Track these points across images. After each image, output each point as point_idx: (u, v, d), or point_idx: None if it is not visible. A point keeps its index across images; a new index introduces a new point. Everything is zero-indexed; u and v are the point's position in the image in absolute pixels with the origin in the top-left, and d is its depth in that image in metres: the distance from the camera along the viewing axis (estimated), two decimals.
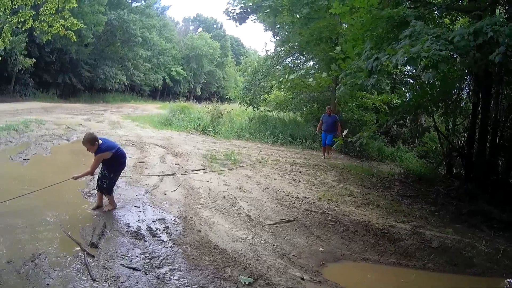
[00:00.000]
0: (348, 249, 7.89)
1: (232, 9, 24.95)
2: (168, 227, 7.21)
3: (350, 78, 11.16)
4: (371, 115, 24.08)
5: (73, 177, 7.44)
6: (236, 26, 25.74)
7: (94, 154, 7.52)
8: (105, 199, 7.90)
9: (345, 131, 11.20)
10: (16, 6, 14.10)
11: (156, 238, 6.70)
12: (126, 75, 61.83)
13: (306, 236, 8.15)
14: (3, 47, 14.29)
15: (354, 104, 23.71)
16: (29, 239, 6.16)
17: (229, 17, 25.40)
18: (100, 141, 7.59)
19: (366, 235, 8.32)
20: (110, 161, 7.65)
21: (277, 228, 8.26)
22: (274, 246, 7.33)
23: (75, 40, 17.39)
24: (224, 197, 9.65)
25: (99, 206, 7.79)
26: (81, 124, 21.63)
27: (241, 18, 25.19)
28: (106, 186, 7.68)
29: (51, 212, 7.35)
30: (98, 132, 18.26)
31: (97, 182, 7.87)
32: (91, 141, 7.41)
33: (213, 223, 7.87)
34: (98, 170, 7.87)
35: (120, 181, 9.77)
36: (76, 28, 14.74)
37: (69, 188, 8.13)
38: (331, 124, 17.38)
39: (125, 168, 11.44)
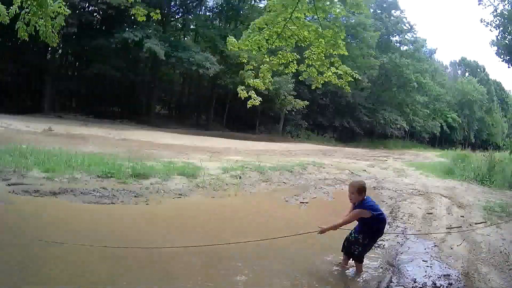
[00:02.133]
0: None
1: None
2: (451, 284, 7.16)
3: None
4: None
5: (320, 231, 7.13)
6: (509, 67, 25.05)
7: (352, 205, 7.20)
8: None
9: None
10: (273, 47, 13.94)
11: None
12: (406, 120, 62.33)
13: None
14: (263, 88, 14.77)
15: None
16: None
17: (501, 59, 24.94)
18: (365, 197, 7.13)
19: None
20: (368, 225, 7.06)
21: None
22: None
23: (349, 91, 17.04)
24: (501, 252, 9.34)
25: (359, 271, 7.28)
26: (365, 170, 22.45)
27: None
28: (357, 253, 7.15)
29: (328, 258, 7.81)
30: (384, 179, 18.94)
31: (344, 243, 7.37)
32: (361, 188, 7.03)
33: (489, 280, 7.66)
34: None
35: (409, 233, 10.07)
36: (349, 79, 14.38)
37: None
38: None
39: (414, 219, 11.58)
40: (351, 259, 7.36)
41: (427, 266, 7.95)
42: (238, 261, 7.45)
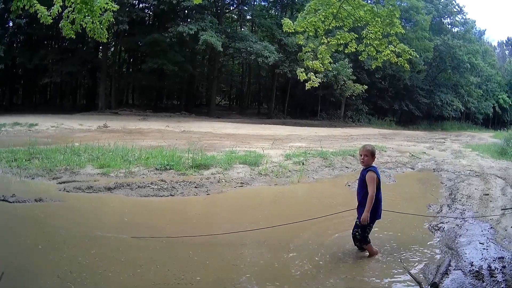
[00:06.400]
0: None
1: None
2: (504, 267, 6.89)
3: None
4: None
5: (363, 219, 6.93)
6: None
7: (364, 172, 7.11)
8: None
9: None
10: (330, 27, 13.89)
11: (493, 279, 6.46)
12: (461, 102, 62.07)
13: None
14: (322, 70, 14.47)
15: None
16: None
17: None
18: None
19: None
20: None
21: None
22: None
23: (408, 68, 17.28)
24: None
25: (371, 255, 7.15)
26: (424, 152, 22.55)
27: None
28: (359, 236, 7.06)
29: (394, 243, 7.72)
30: (443, 161, 18.79)
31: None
32: (374, 152, 7.11)
33: None
34: None
35: (467, 215, 9.87)
36: (407, 57, 14.46)
37: (413, 219, 8.46)
38: None
39: (472, 201, 11.28)
40: (358, 244, 7.20)
41: (484, 248, 7.71)
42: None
